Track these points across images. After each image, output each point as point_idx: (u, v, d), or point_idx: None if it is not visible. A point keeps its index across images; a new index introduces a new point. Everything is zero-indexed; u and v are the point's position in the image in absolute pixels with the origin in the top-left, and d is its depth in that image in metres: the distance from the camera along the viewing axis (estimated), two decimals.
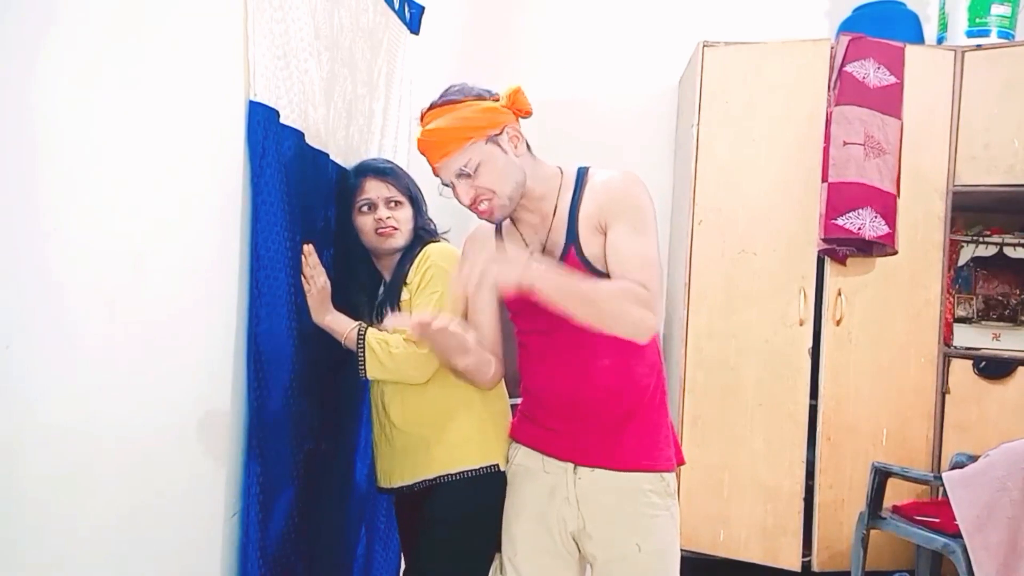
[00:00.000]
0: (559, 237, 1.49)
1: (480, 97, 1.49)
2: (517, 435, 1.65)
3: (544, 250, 1.52)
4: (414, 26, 2.50)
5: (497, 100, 1.49)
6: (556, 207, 1.50)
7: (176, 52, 1.27)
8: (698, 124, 3.12)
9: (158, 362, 1.26)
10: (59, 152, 1.02)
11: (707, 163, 3.10)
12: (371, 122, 2.17)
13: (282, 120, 1.57)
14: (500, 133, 1.46)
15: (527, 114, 1.51)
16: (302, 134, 1.66)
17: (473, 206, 1.48)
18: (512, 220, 1.56)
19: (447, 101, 1.48)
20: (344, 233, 1.84)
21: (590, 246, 1.45)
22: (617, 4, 3.86)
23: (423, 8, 2.53)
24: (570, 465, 1.53)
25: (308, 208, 1.72)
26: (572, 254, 1.47)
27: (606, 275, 1.44)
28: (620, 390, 1.50)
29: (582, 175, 1.52)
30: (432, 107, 1.49)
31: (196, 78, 1.33)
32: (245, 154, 1.48)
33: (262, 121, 1.49)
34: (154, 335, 1.24)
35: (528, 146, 1.53)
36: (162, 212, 1.25)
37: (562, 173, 1.54)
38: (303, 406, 1.68)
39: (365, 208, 1.78)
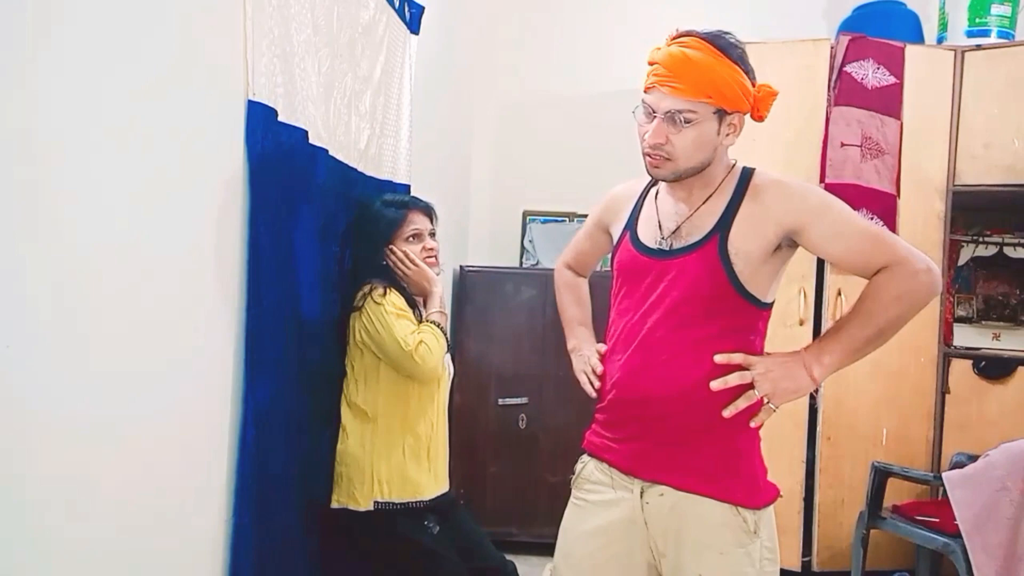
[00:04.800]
0: (703, 223, 1.45)
1: (748, 73, 1.42)
2: (586, 445, 1.57)
3: (676, 231, 1.47)
4: (414, 26, 2.50)
5: (754, 86, 1.43)
6: (711, 196, 1.46)
7: (175, 51, 1.27)
8: None
9: (157, 362, 1.25)
10: (58, 151, 1.01)
11: None
12: (372, 119, 2.16)
13: (281, 118, 1.56)
14: (730, 114, 1.42)
15: (759, 118, 1.46)
16: (304, 132, 1.66)
17: (650, 149, 1.42)
18: (667, 186, 1.51)
19: (724, 48, 1.40)
20: (371, 256, 1.93)
21: (746, 242, 1.41)
22: (617, 3, 3.86)
23: (423, 8, 2.53)
24: (637, 481, 1.45)
25: (308, 206, 1.72)
26: (712, 243, 1.42)
27: (733, 273, 1.40)
28: (696, 397, 1.40)
29: (748, 175, 1.48)
30: (707, 39, 1.41)
31: (195, 77, 1.33)
32: (244, 153, 1.48)
33: (261, 120, 1.49)
34: (153, 335, 1.24)
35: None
36: (161, 212, 1.25)
37: (732, 167, 1.50)
38: (301, 406, 1.68)
39: (411, 238, 1.93)
